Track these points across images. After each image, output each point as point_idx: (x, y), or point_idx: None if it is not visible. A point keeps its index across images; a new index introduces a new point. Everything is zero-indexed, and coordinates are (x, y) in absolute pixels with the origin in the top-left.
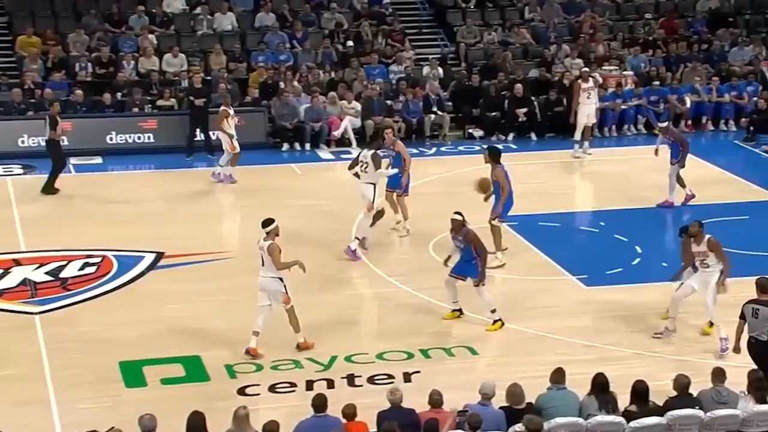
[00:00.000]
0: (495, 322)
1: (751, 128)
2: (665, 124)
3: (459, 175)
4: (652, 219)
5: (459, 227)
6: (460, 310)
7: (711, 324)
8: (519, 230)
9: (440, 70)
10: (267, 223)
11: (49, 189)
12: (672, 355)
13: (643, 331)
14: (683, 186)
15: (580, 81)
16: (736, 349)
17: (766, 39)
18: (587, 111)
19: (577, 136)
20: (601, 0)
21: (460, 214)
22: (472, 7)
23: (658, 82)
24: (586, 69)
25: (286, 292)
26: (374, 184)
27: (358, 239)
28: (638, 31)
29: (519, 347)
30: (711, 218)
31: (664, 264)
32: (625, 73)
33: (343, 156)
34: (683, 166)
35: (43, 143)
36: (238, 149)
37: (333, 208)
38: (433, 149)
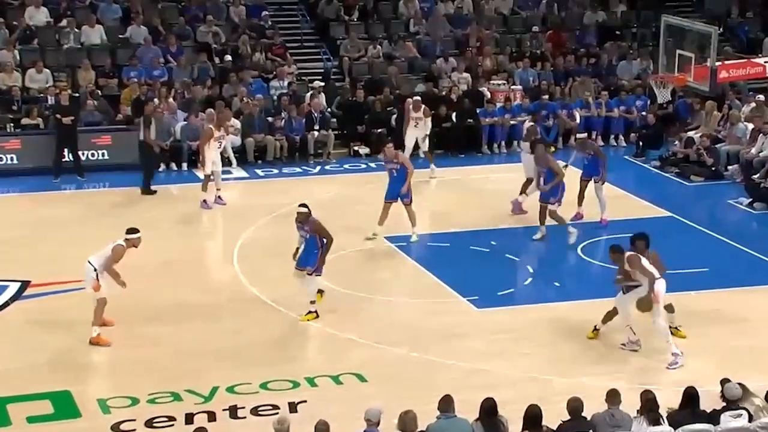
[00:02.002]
0: (309, 312)
1: (641, 143)
2: (583, 135)
3: (345, 194)
4: (544, 237)
5: (305, 218)
6: (321, 292)
7: (596, 329)
8: (407, 251)
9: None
10: (131, 231)
11: (146, 190)
12: (566, 378)
13: (536, 353)
14: (579, 203)
15: (410, 107)
16: None
17: (653, 53)
18: (415, 135)
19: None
20: (487, 13)
21: (305, 206)
22: (355, 19)
23: (546, 97)
24: (418, 98)
25: (97, 279)
26: None
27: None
28: (526, 45)
29: (409, 373)
30: (601, 237)
31: (557, 284)
32: (513, 87)
33: (223, 176)
34: (605, 182)
35: None
36: (209, 172)
37: (211, 230)
38: (318, 168)
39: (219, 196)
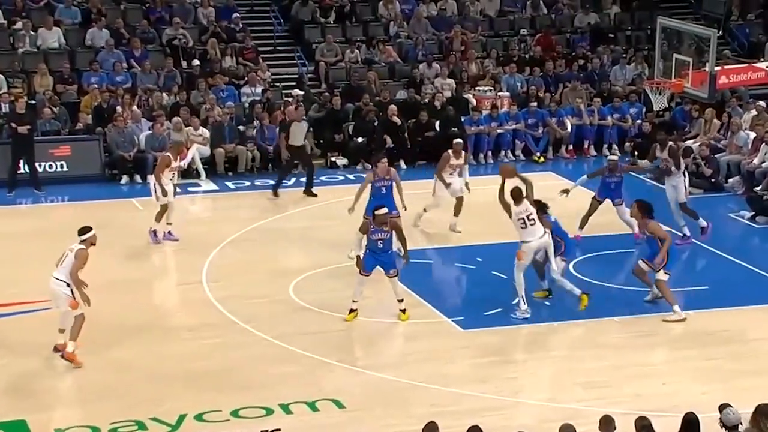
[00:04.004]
0: (403, 311)
1: (636, 153)
2: (615, 158)
3: (323, 207)
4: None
5: (386, 219)
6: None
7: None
8: None
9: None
10: (84, 230)
11: (308, 191)
12: (556, 404)
13: (525, 377)
14: (582, 226)
15: (450, 155)
16: None
17: (648, 57)
18: (457, 185)
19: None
20: (472, 15)
21: (383, 206)
22: (331, 22)
23: (535, 104)
24: (459, 141)
25: (72, 296)
26: None
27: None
28: (513, 49)
29: (390, 398)
30: (598, 252)
31: (547, 303)
32: (500, 94)
33: (191, 189)
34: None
35: None
36: (165, 201)
37: (178, 247)
38: (292, 180)
39: (169, 231)
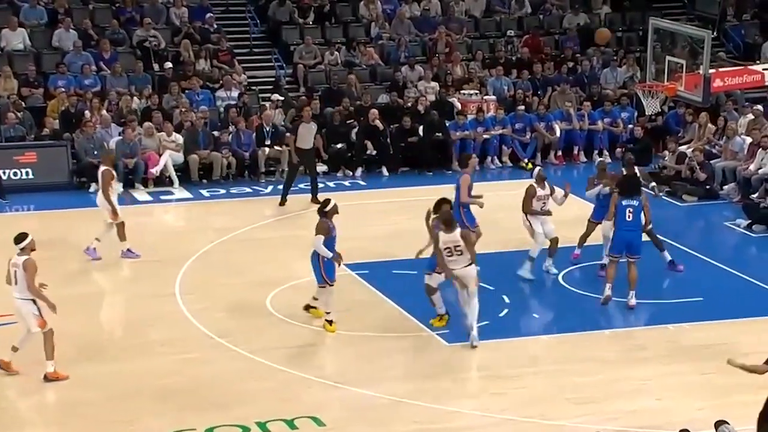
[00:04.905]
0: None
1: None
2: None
3: (301, 216)
4: (520, 264)
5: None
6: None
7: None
8: (370, 279)
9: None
10: (20, 238)
11: (315, 199)
12: (548, 420)
13: (513, 393)
14: (580, 245)
15: (534, 187)
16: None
17: (640, 59)
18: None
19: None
20: (457, 15)
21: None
22: (310, 23)
23: (523, 108)
24: (541, 169)
25: (40, 315)
26: None
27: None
28: (500, 50)
29: (371, 416)
30: (587, 262)
31: (536, 315)
32: (486, 97)
33: (163, 197)
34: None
35: None
36: (120, 218)
37: (150, 258)
38: (270, 188)
39: (129, 249)
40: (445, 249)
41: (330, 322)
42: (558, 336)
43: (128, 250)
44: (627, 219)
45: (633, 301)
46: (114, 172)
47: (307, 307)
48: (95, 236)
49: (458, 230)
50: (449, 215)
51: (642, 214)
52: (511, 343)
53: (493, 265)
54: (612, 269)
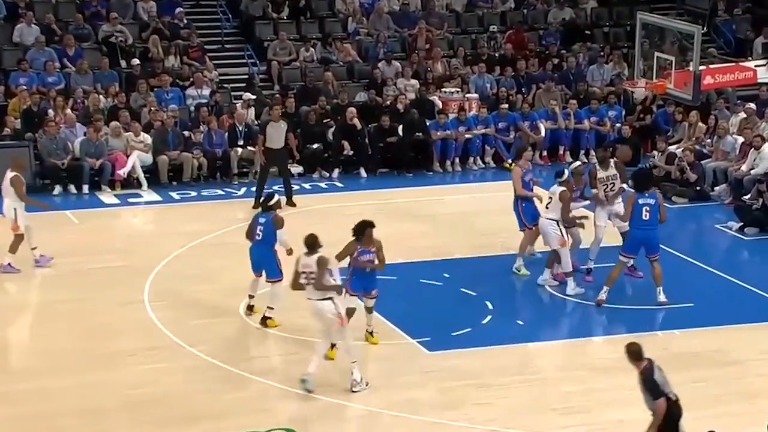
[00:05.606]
0: None
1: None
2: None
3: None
4: (504, 269)
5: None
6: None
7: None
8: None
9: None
10: None
11: (290, 202)
12: None
13: (497, 403)
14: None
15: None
16: None
17: (627, 55)
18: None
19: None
20: (437, 10)
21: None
22: (284, 18)
23: (506, 106)
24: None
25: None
26: None
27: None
28: (482, 47)
29: (350, 427)
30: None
31: (520, 322)
32: (468, 95)
33: (131, 200)
34: None
35: None
36: (22, 230)
37: (118, 263)
38: (243, 189)
39: (9, 263)
40: (302, 274)
41: (269, 317)
42: (544, 344)
43: (9, 264)
44: (643, 218)
45: (662, 297)
46: (23, 179)
47: (264, 320)
48: (31, 246)
49: (316, 255)
50: (312, 238)
51: (658, 212)
52: (494, 351)
53: (473, 270)
54: (617, 271)
